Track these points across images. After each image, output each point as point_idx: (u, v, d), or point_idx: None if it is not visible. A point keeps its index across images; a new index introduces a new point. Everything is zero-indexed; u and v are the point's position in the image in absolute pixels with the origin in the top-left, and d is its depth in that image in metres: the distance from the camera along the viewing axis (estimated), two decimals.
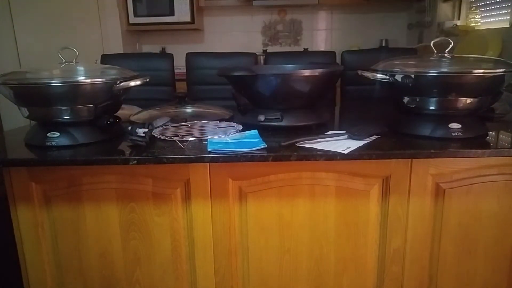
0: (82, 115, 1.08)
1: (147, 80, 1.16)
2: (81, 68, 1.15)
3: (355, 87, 2.26)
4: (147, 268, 1.13)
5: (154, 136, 1.14)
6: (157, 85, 2.22)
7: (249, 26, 3.58)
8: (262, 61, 3.11)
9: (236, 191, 1.08)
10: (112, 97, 1.11)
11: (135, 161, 0.98)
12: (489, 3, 2.48)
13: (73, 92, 1.05)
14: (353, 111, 1.75)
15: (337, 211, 1.09)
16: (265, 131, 1.16)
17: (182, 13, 3.17)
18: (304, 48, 3.55)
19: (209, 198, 1.08)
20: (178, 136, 1.12)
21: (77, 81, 1.05)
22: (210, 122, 1.30)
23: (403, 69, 1.09)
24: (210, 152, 0.99)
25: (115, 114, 1.20)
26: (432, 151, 0.98)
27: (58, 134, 1.06)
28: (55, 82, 1.03)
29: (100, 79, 1.08)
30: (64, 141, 1.06)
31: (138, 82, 1.12)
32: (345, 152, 0.98)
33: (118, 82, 1.09)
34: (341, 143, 1.04)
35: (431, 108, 1.08)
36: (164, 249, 1.12)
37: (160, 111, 1.38)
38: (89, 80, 1.06)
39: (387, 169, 1.06)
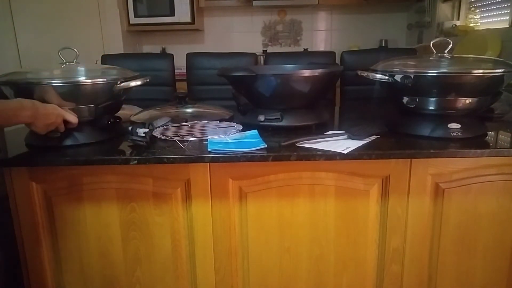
0: (83, 115, 1.08)
1: (148, 80, 1.16)
2: (81, 68, 1.15)
3: (355, 87, 2.26)
4: (148, 267, 1.14)
5: (154, 136, 1.14)
6: (157, 85, 2.22)
7: (249, 26, 3.58)
8: (262, 61, 3.11)
9: (236, 191, 1.08)
10: (112, 97, 1.12)
11: (136, 161, 0.98)
12: (488, 3, 2.48)
13: (73, 92, 1.06)
14: (353, 111, 1.75)
15: (336, 211, 1.09)
16: (265, 131, 1.16)
17: (182, 13, 3.18)
18: (304, 49, 3.55)
19: (209, 198, 1.08)
20: (178, 136, 1.12)
21: (78, 81, 1.06)
22: (210, 122, 1.30)
23: (402, 69, 1.09)
24: (210, 152, 1.00)
25: (116, 114, 1.20)
26: (432, 151, 0.99)
27: (58, 134, 1.07)
28: (56, 82, 1.03)
29: (100, 79, 1.09)
30: (64, 141, 1.07)
31: (138, 82, 1.12)
32: (345, 152, 0.98)
33: (118, 82, 1.09)
34: (340, 143, 1.04)
35: (430, 108, 1.08)
36: (165, 249, 1.12)
37: (161, 111, 1.38)
38: (89, 80, 1.06)
39: (386, 169, 1.06)
